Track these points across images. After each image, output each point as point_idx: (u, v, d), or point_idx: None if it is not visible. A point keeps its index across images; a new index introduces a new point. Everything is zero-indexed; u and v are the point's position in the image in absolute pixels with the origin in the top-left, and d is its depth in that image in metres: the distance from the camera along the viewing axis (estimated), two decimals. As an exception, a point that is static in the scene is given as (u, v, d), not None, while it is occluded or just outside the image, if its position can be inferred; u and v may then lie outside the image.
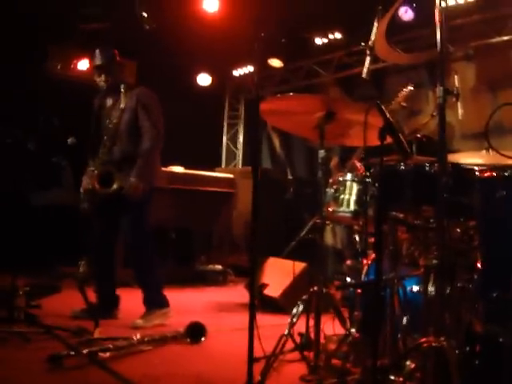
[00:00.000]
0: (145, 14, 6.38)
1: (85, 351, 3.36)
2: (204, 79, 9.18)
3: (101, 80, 4.76)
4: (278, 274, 5.34)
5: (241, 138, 10.32)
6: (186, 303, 4.90)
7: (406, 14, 6.24)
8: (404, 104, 4.15)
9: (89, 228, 4.84)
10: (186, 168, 6.87)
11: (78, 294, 4.11)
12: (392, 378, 2.68)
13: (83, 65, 8.09)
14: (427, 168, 2.91)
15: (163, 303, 4.65)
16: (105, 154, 4.63)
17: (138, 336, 3.79)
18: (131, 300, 4.79)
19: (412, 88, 4.14)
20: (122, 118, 4.64)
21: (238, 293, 6.01)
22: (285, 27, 6.54)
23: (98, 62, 4.77)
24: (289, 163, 9.20)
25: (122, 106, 4.62)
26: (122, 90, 4.63)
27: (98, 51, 4.79)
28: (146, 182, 4.55)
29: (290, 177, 8.75)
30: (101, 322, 4.02)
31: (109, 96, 4.77)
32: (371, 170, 3.14)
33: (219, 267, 7.40)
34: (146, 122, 4.62)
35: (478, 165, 3.05)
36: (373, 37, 3.09)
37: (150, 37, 6.69)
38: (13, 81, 6.55)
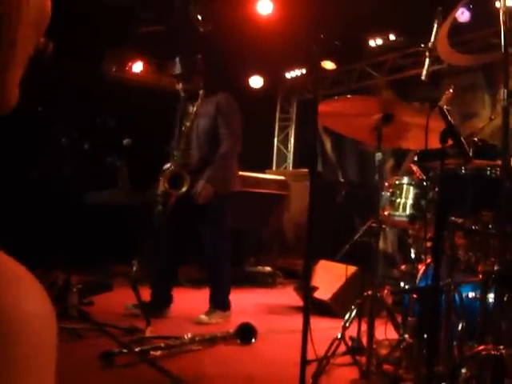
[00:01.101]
0: (199, 17, 6.45)
1: (136, 349, 3.41)
2: (256, 81, 9.21)
3: (179, 88, 4.87)
4: (329, 278, 5.30)
5: (292, 140, 10.31)
6: (236, 304, 4.91)
7: (462, 15, 6.12)
8: (447, 107, 4.07)
9: (151, 228, 4.96)
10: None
11: (130, 293, 4.16)
12: (447, 385, 2.63)
13: (137, 67, 8.24)
14: (489, 172, 2.85)
15: (227, 306, 4.80)
16: (180, 158, 4.73)
17: (189, 335, 3.82)
18: (183, 300, 4.86)
19: (452, 90, 4.06)
20: (196, 123, 4.74)
21: (287, 295, 5.99)
22: (339, 29, 6.51)
23: (176, 71, 4.89)
24: (340, 166, 9.14)
25: (195, 110, 4.72)
26: (200, 95, 4.72)
27: (177, 59, 4.90)
28: (219, 187, 4.65)
29: (341, 179, 8.69)
30: (152, 320, 4.08)
31: (190, 102, 4.84)
32: (430, 174, 3.10)
33: (268, 269, 7.39)
34: (224, 129, 4.71)
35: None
36: (433, 38, 3.04)
37: (204, 39, 6.75)
38: (71, 82, 6.69)
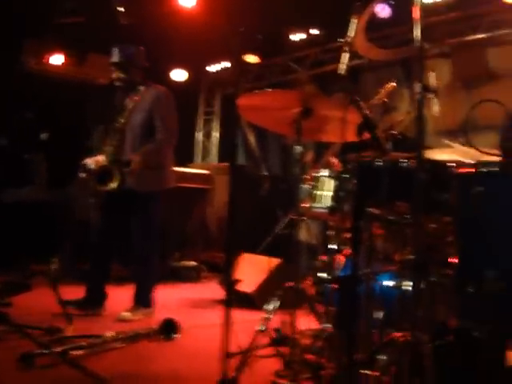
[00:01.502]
0: (121, 9, 6.32)
1: (57, 349, 3.32)
2: (179, 74, 9.13)
3: (114, 77, 4.76)
4: (252, 270, 5.34)
5: (215, 135, 10.29)
6: (160, 300, 4.86)
7: (383, 10, 6.25)
8: (386, 100, 4.17)
9: (71, 225, 4.86)
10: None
11: (50, 292, 4.05)
12: (367, 372, 2.69)
13: (57, 59, 8.00)
14: (403, 164, 2.92)
15: (150, 303, 4.74)
16: (112, 153, 4.62)
17: (112, 333, 3.76)
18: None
19: (395, 84, 4.17)
20: (132, 118, 4.64)
21: (212, 289, 5.99)
22: (261, 23, 6.53)
23: (113, 59, 4.76)
24: (263, 159, 9.20)
25: (132, 106, 4.63)
26: (141, 91, 4.65)
27: (116, 48, 4.77)
28: (153, 180, 4.65)
29: (264, 173, 8.74)
30: (74, 319, 3.99)
31: (127, 94, 4.73)
32: (348, 166, 3.15)
33: (193, 263, 7.37)
34: (160, 122, 4.65)
35: (453, 161, 3.07)
36: (351, 33, 3.09)
37: (125, 32, 6.63)
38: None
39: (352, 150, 3.12)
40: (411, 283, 2.69)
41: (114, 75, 4.75)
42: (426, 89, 2.48)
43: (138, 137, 4.65)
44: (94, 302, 4.68)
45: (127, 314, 4.52)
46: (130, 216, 4.71)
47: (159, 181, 4.74)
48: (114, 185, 4.49)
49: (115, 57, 4.75)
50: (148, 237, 4.71)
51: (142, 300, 4.68)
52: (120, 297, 4.92)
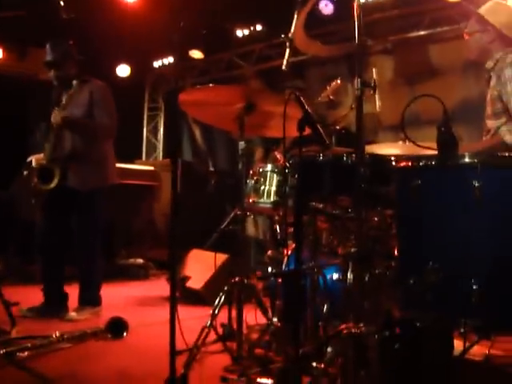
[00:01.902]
0: (62, 3, 6.20)
1: (2, 351, 3.25)
2: (123, 70, 9.02)
3: (51, 76, 4.65)
4: (201, 266, 5.33)
5: (161, 130, 10.22)
6: (107, 298, 4.81)
7: (325, 7, 6.32)
8: (332, 97, 4.23)
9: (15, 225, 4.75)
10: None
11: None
12: (314, 364, 2.73)
13: (-4, 54, 7.80)
14: (345, 159, 2.97)
15: (98, 302, 4.68)
16: (50, 151, 4.51)
17: (57, 334, 3.70)
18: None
19: (339, 82, 4.22)
20: (68, 112, 4.50)
21: (160, 286, 5.95)
22: (205, 18, 6.52)
23: (48, 57, 4.64)
24: (210, 155, 9.19)
25: (66, 100, 4.50)
26: (74, 85, 4.51)
27: (48, 46, 4.65)
28: (94, 177, 4.57)
29: (211, 169, 8.74)
30: (18, 321, 3.91)
31: (64, 91, 4.60)
32: (291, 161, 3.18)
33: (140, 261, 7.31)
34: (100, 113, 4.55)
35: (394, 155, 3.13)
36: (293, 29, 3.12)
37: (67, 26, 6.50)
38: None
39: (298, 145, 3.15)
40: (353, 275, 2.75)
41: (52, 74, 4.65)
42: (366, 84, 2.52)
43: (76, 134, 4.56)
44: (55, 306, 4.58)
45: (73, 314, 4.45)
46: (72, 214, 4.62)
47: (101, 177, 4.65)
48: (54, 183, 4.41)
49: (48, 56, 4.64)
50: (91, 235, 4.64)
51: (88, 299, 4.61)
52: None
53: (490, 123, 3.50)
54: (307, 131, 2.53)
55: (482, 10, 3.52)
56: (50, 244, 4.63)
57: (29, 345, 3.48)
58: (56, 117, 4.43)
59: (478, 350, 3.16)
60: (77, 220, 4.64)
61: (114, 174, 4.83)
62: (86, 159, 4.55)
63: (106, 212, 4.79)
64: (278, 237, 3.79)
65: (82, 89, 4.58)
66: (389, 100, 4.14)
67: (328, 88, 4.44)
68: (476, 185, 2.32)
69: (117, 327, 3.94)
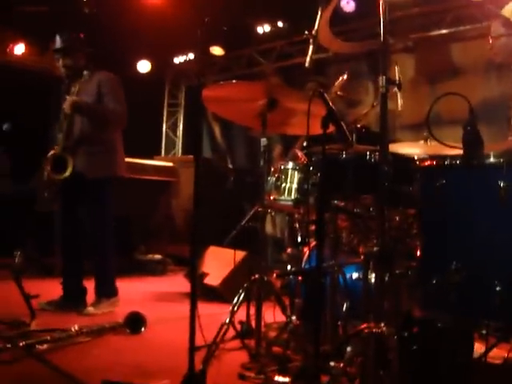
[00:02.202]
0: (84, -2, 6.24)
1: (21, 344, 3.27)
2: (144, 66, 9.04)
3: (60, 65, 4.66)
4: (219, 263, 5.33)
5: (181, 127, 10.22)
6: (125, 293, 4.83)
7: (347, 5, 6.30)
8: (340, 93, 4.19)
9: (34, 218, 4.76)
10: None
11: (13, 286, 3.98)
12: (333, 364, 2.71)
13: (19, 49, 7.85)
14: (368, 157, 2.95)
15: (113, 292, 4.69)
16: (63, 140, 4.52)
17: (76, 327, 3.72)
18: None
19: (346, 77, 4.17)
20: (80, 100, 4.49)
21: (178, 282, 5.96)
22: (227, 14, 6.50)
23: (57, 45, 4.67)
24: (229, 152, 9.18)
25: (76, 90, 4.50)
26: (84, 75, 4.54)
27: (57, 35, 4.67)
28: (103, 165, 4.54)
29: (230, 166, 8.74)
30: (38, 313, 3.93)
31: (73, 82, 4.59)
32: (313, 159, 3.16)
33: (158, 256, 7.32)
34: (110, 100, 4.54)
35: (415, 154, 3.11)
36: (316, 26, 3.10)
37: (89, 21, 6.53)
38: None
39: (317, 143, 3.14)
40: (375, 275, 2.73)
41: (60, 63, 4.65)
42: (390, 82, 2.50)
43: (86, 121, 4.55)
44: (74, 300, 4.60)
45: (91, 309, 4.47)
46: (80, 206, 4.63)
47: (110, 167, 4.62)
48: (68, 172, 4.41)
49: (58, 43, 4.66)
50: (101, 226, 4.62)
51: (104, 291, 4.61)
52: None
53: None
54: (331, 129, 2.51)
55: (506, 12, 3.49)
56: (67, 236, 4.66)
57: (48, 337, 3.50)
58: (66, 103, 4.45)
59: (497, 353, 3.13)
60: (86, 211, 4.63)
61: (123, 167, 4.79)
62: (95, 145, 4.53)
63: (121, 206, 4.76)
64: (298, 235, 3.77)
65: (92, 79, 4.58)
66: (409, 99, 4.11)
67: (335, 84, 4.42)
68: (502, 185, 2.30)
69: (135, 322, 3.95)
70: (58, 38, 4.68)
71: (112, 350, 3.60)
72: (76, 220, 4.68)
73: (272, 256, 6.61)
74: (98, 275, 4.65)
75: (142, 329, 3.95)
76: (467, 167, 2.44)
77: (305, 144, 4.37)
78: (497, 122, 5.30)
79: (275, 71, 8.24)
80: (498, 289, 2.29)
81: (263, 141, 3.31)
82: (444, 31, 6.73)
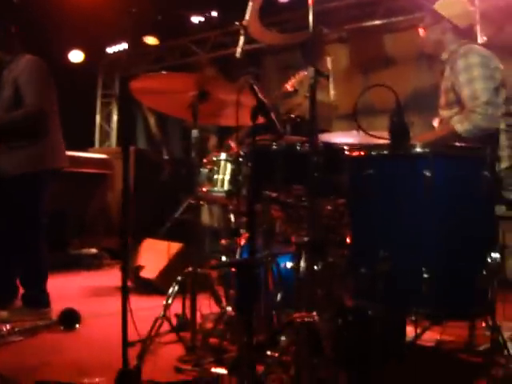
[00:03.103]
0: (12, -12, 6.04)
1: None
2: (76, 56, 8.84)
3: None
4: (155, 256, 5.29)
5: (115, 118, 10.08)
6: (60, 289, 4.73)
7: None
8: (297, 88, 4.23)
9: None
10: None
11: None
12: (268, 353, 2.74)
13: None
14: (298, 147, 2.97)
15: (43, 302, 4.25)
16: None
17: (8, 326, 3.64)
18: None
19: (306, 73, 4.20)
20: (1, 94, 4.19)
21: (114, 276, 5.87)
22: (161, 4, 6.42)
23: None
24: (165, 143, 9.12)
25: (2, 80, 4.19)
26: (8, 62, 4.24)
27: None
28: (19, 160, 4.09)
29: (165, 157, 8.67)
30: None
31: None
32: (244, 150, 3.16)
33: (94, 251, 7.21)
34: (26, 98, 4.10)
35: (348, 144, 3.15)
36: (247, 16, 3.10)
37: (18, 11, 6.33)
38: None
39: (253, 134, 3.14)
40: (305, 264, 2.77)
41: None
42: (319, 73, 2.52)
43: (4, 114, 4.20)
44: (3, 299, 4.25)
45: (3, 314, 4.09)
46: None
47: (28, 161, 4.16)
48: None
49: None
50: (17, 224, 4.20)
51: (30, 299, 4.23)
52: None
53: (444, 113, 3.55)
54: (261, 120, 2.52)
55: (437, 5, 3.59)
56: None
57: (-22, 339, 3.42)
58: None
59: (430, 336, 3.22)
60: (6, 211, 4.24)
61: (49, 157, 4.29)
62: (14, 140, 4.16)
63: (55, 200, 4.48)
64: (232, 226, 3.78)
65: (13, 68, 4.23)
66: (343, 89, 4.16)
67: (294, 78, 4.43)
68: (427, 174, 2.35)
69: (69, 319, 3.88)
70: None
71: (46, 348, 3.52)
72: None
73: (210, 246, 6.60)
74: (24, 280, 4.28)
75: (77, 325, 3.89)
76: (394, 157, 2.48)
77: (242, 135, 4.37)
78: (427, 111, 5.42)
79: (210, 61, 8.21)
80: (425, 276, 2.34)
81: (194, 132, 3.29)
82: (377, 22, 6.85)
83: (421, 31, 3.69)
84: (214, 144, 6.05)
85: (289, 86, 4.52)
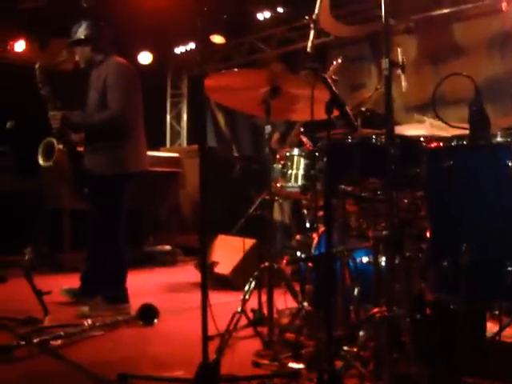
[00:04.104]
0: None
1: (35, 340, 3.29)
2: (145, 57, 9.00)
3: (80, 57, 4.46)
4: (228, 252, 5.34)
5: (184, 117, 10.20)
6: (136, 285, 4.82)
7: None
8: (335, 77, 4.18)
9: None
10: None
11: (25, 283, 3.99)
12: (346, 348, 2.72)
13: (20, 46, 7.82)
14: (374, 140, 2.93)
15: (121, 298, 4.36)
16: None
17: (90, 321, 3.73)
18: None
19: (341, 61, 4.13)
20: (90, 95, 4.35)
21: (188, 272, 5.98)
22: (227, 2, 6.47)
23: (80, 35, 4.43)
24: (234, 140, 9.17)
25: (91, 82, 4.34)
26: (100, 65, 4.36)
27: (80, 24, 4.47)
28: (105, 162, 4.25)
29: (235, 154, 8.73)
30: (51, 309, 3.93)
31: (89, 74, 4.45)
32: (318, 144, 3.15)
33: (168, 247, 7.35)
34: (110, 101, 4.23)
35: (422, 136, 3.09)
36: (316, 10, 3.07)
37: (88, 15, 6.50)
38: None
39: (318, 128, 3.12)
40: (385, 259, 2.72)
41: (79, 56, 4.46)
42: (394, 64, 2.48)
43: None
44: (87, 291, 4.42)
45: (84, 309, 4.23)
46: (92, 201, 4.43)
47: (112, 163, 4.29)
48: (54, 158, 4.26)
49: (81, 32, 4.43)
50: (102, 224, 4.35)
51: (109, 294, 4.33)
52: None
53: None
54: (335, 113, 2.50)
55: None
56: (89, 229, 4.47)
57: (61, 333, 3.50)
58: (57, 116, 4.30)
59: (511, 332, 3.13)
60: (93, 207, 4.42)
61: (132, 161, 4.40)
62: (99, 142, 4.30)
63: (129, 199, 4.58)
64: (306, 221, 3.77)
65: (101, 70, 4.36)
66: (412, 81, 4.08)
67: (330, 68, 4.39)
68: (510, 164, 2.28)
69: (147, 314, 3.96)
70: (81, 26, 4.45)
71: (126, 342, 3.61)
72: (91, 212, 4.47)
73: (281, 242, 6.61)
74: (104, 276, 4.37)
75: (155, 320, 3.97)
76: (474, 147, 2.42)
77: (302, 130, 4.35)
78: (501, 99, 5.27)
79: (277, 58, 8.20)
80: (509, 269, 2.27)
81: (267, 128, 3.29)
82: (445, 11, 6.67)
83: (504, 5, 3.56)
84: (277, 140, 6.03)
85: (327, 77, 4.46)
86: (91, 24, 4.48)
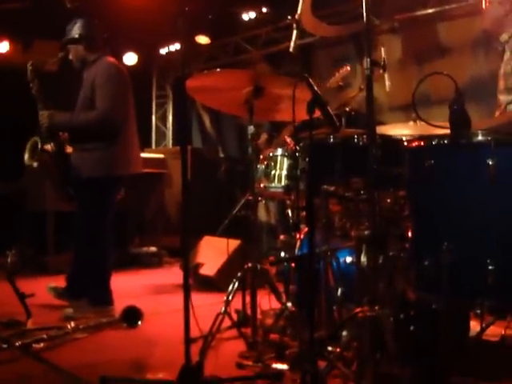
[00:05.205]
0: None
1: (17, 343, 3.26)
2: (130, 58, 8.96)
3: (75, 55, 4.41)
4: (213, 253, 5.32)
5: (170, 118, 10.18)
6: (122, 287, 4.80)
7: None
8: (341, 83, 4.21)
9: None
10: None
11: (8, 286, 3.96)
12: (329, 348, 2.72)
13: (3, 47, 7.75)
14: (356, 140, 2.94)
15: (105, 300, 4.31)
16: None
17: (73, 324, 3.71)
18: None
19: (349, 68, 4.20)
20: (80, 94, 4.31)
21: (174, 274, 5.96)
22: (211, 2, 6.46)
23: (74, 34, 4.36)
24: (220, 141, 9.16)
25: (83, 80, 4.30)
26: (91, 64, 4.31)
27: (74, 22, 4.42)
28: (91, 164, 4.21)
29: (221, 155, 8.72)
30: (34, 311, 3.91)
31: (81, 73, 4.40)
32: (301, 144, 3.14)
33: (153, 249, 7.32)
34: (97, 102, 4.17)
35: (405, 135, 3.10)
36: (299, 10, 3.07)
37: (72, 16, 6.47)
38: None
39: (305, 128, 3.12)
40: (367, 258, 2.72)
41: (72, 55, 4.41)
42: (375, 64, 2.48)
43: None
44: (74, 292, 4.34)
45: (68, 310, 4.21)
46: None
47: (99, 165, 4.24)
48: (32, 160, 4.25)
49: (76, 31, 4.37)
50: (86, 226, 4.30)
51: (93, 296, 4.30)
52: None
53: (502, 98, 3.45)
54: (317, 113, 2.49)
55: None
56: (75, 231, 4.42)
57: (44, 336, 3.48)
58: (44, 115, 4.27)
59: (494, 331, 3.14)
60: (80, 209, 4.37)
61: (122, 163, 4.35)
62: (88, 142, 4.25)
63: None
64: (290, 221, 3.77)
65: (90, 70, 4.32)
66: (397, 80, 4.09)
67: (337, 74, 4.41)
68: (490, 163, 2.28)
69: (131, 316, 3.94)
70: (77, 24, 4.40)
71: (109, 345, 3.59)
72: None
73: (267, 243, 6.61)
74: (88, 278, 4.32)
75: (139, 322, 3.94)
76: (455, 146, 2.43)
77: (292, 130, 4.36)
78: (485, 99, 5.29)
79: (263, 58, 8.20)
80: (490, 268, 2.28)
81: (250, 129, 3.29)
82: (430, 10, 6.69)
83: (483, 2, 3.57)
84: (264, 140, 6.03)
85: (333, 82, 4.51)
86: (86, 23, 4.43)
